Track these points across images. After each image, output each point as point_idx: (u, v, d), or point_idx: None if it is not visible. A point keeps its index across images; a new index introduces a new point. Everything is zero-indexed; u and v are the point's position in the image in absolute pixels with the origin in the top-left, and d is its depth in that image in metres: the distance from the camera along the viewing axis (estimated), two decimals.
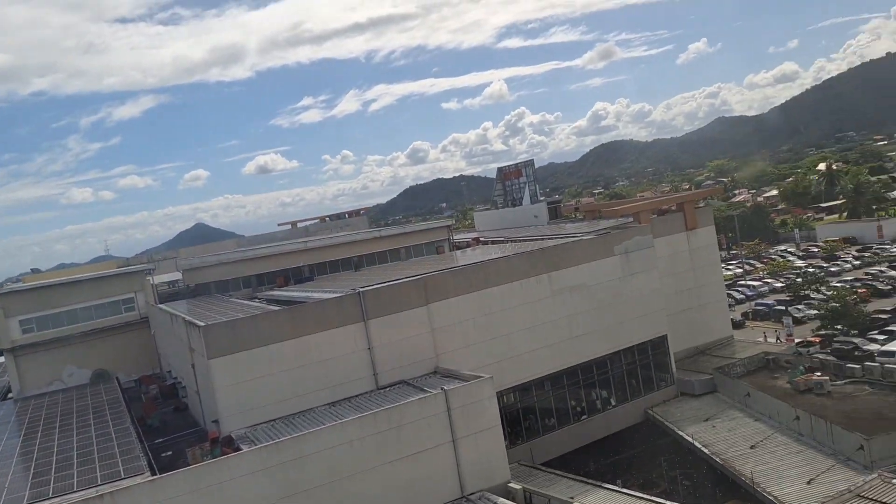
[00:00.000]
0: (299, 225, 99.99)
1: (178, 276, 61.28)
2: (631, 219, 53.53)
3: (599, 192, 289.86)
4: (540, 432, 43.59)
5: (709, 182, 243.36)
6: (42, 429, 39.59)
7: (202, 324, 35.57)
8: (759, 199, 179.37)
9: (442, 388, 32.95)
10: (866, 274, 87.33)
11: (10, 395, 53.28)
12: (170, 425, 41.78)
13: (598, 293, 45.94)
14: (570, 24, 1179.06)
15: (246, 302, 48.06)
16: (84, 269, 72.19)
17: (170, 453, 35.19)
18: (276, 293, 50.07)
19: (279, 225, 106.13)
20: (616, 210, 59.44)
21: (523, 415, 43.17)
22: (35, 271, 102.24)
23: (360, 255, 59.65)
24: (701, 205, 62.39)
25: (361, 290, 38.56)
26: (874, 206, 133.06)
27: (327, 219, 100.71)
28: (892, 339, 55.91)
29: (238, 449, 30.62)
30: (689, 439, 41.78)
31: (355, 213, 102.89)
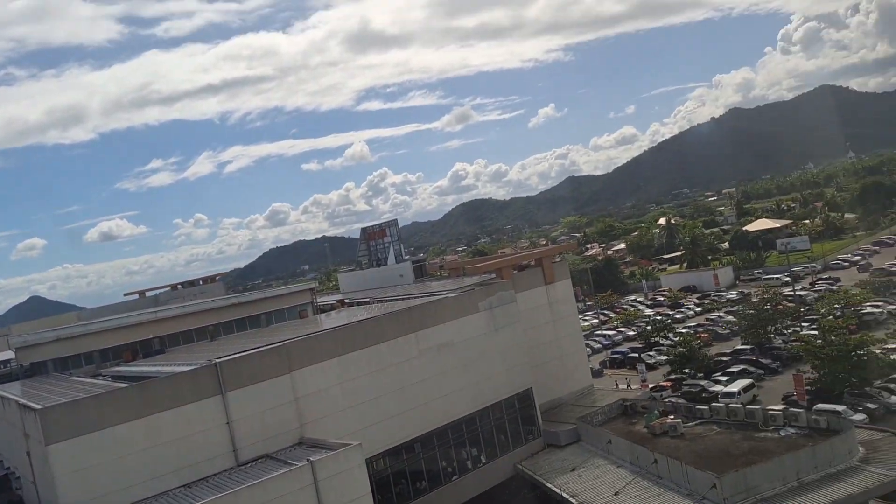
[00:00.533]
0: (148, 294, 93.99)
1: (10, 354, 55.37)
2: (493, 275, 54.96)
3: (462, 249, 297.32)
4: (412, 496, 42.63)
5: (563, 237, 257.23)
6: None
7: (38, 406, 32.22)
8: (609, 252, 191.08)
9: (308, 460, 31.56)
10: (707, 320, 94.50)
11: None
12: None
13: (465, 350, 46.37)
14: (428, 88, 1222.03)
15: (89, 380, 44.21)
16: None
17: None
18: (123, 369, 46.46)
19: (125, 295, 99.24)
20: (479, 267, 60.90)
21: (394, 480, 42.13)
22: None
23: (216, 324, 56.70)
24: (557, 259, 65.30)
25: (218, 360, 36.52)
26: (709, 257, 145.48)
27: (179, 286, 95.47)
28: (734, 380, 60.46)
29: None
30: (558, 490, 42.44)
31: (210, 280, 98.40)
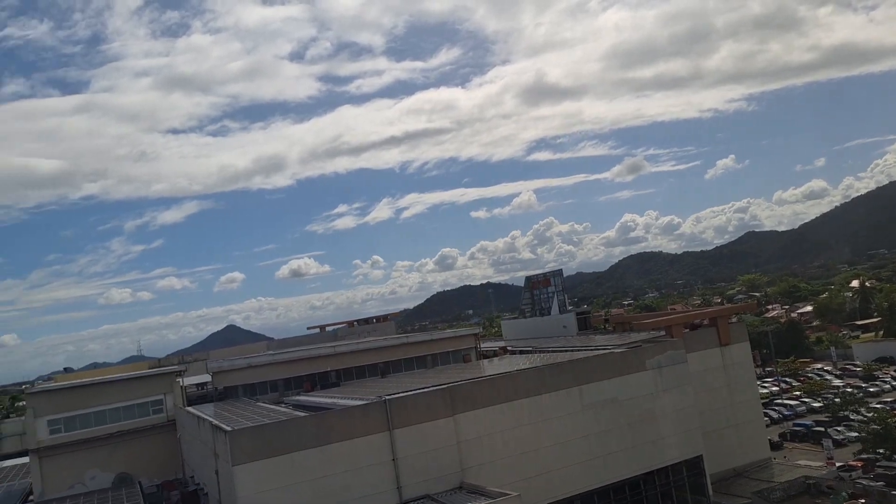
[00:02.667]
0: (328, 329, 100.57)
1: (207, 378, 61.48)
2: (663, 332, 52.99)
3: (629, 303, 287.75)
4: None
5: (740, 296, 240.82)
6: None
7: (228, 428, 35.35)
8: (793, 315, 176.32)
9: None
10: None
11: (30, 497, 52.60)
12: None
13: (630, 409, 44.88)
14: (599, 139, 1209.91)
15: (272, 406, 47.81)
16: (116, 369, 72.84)
17: None
18: (303, 398, 49.82)
19: (308, 328, 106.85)
20: (647, 322, 59.00)
21: None
22: (67, 370, 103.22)
23: (386, 362, 59.55)
24: (734, 320, 61.66)
25: (387, 397, 38.23)
26: None
27: (355, 323, 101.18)
28: None
29: None
30: None
31: (383, 319, 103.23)
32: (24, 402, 56.09)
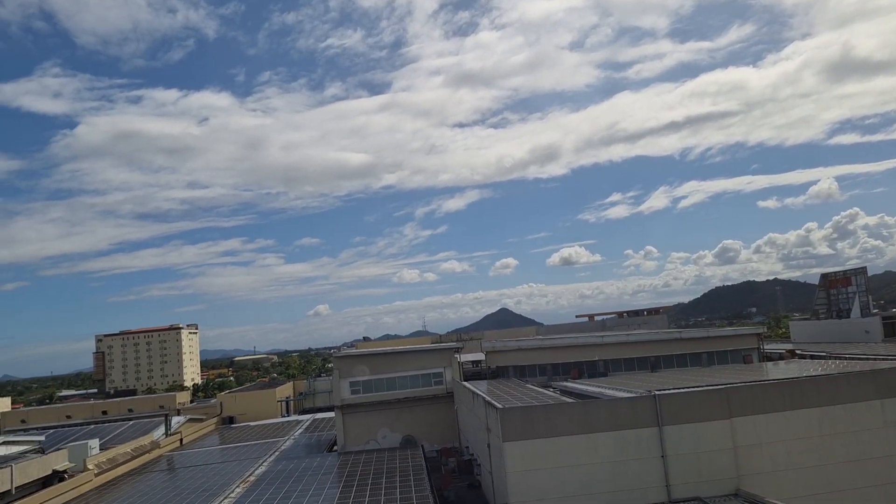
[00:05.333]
0: (596, 318, 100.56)
1: (481, 356, 65.55)
2: None
3: None
4: None
5: None
6: (357, 485, 44.49)
7: (500, 406, 37.46)
8: None
9: None
10: None
11: (335, 447, 60.95)
12: (463, 500, 44.05)
13: None
14: None
15: (540, 390, 49.45)
16: (404, 341, 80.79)
17: None
18: (570, 385, 50.75)
19: (577, 317, 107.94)
20: None
21: None
22: (366, 339, 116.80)
23: (657, 356, 57.98)
24: None
25: (657, 392, 37.41)
26: None
27: (625, 315, 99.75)
28: None
29: None
30: None
31: (654, 312, 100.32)
32: (332, 365, 64.99)
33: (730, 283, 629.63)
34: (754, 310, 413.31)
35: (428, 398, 60.53)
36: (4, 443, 62.45)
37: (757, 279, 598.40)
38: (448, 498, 44.18)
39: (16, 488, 42.75)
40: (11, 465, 43.39)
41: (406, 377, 60.61)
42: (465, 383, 54.13)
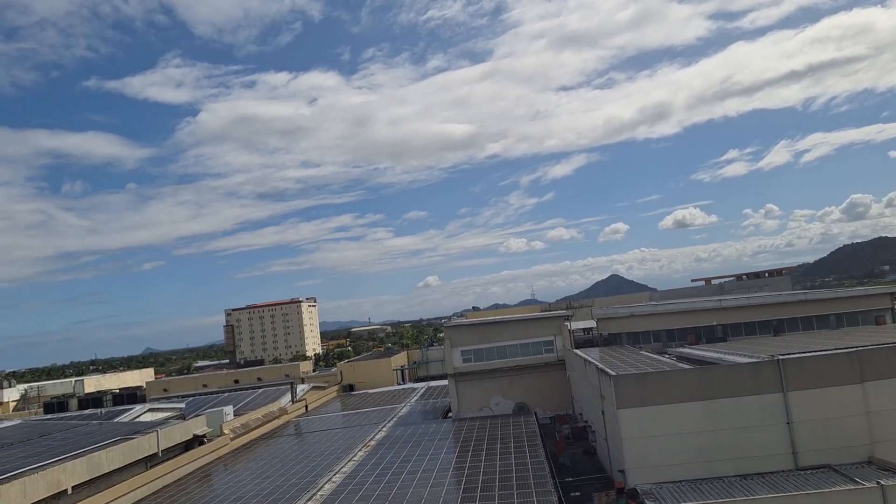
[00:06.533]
0: (713, 282, 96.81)
1: (591, 323, 64.85)
2: None
3: None
4: None
5: None
6: (472, 449, 45.53)
7: (613, 373, 37.11)
8: None
9: (878, 482, 28.55)
10: None
11: (449, 413, 62.44)
12: (578, 466, 44.17)
13: None
14: None
15: (655, 356, 48.45)
16: (513, 310, 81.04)
17: (578, 494, 37.28)
18: (686, 351, 49.39)
19: (692, 281, 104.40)
20: None
21: None
22: (475, 309, 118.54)
23: (780, 319, 55.28)
24: None
25: (781, 357, 35.78)
26: None
27: (745, 277, 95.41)
28: None
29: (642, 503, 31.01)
30: None
31: (777, 273, 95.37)
32: (443, 334, 66.34)
33: (860, 240, 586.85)
34: (887, 268, 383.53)
35: (539, 366, 60.69)
36: (150, 410, 68.32)
37: (890, 235, 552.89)
38: (563, 463, 44.41)
39: (162, 451, 46.78)
40: (157, 430, 47.44)
41: (516, 345, 60.96)
42: (577, 351, 53.85)
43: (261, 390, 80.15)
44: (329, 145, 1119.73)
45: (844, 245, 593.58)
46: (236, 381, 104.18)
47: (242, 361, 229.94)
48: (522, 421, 53.83)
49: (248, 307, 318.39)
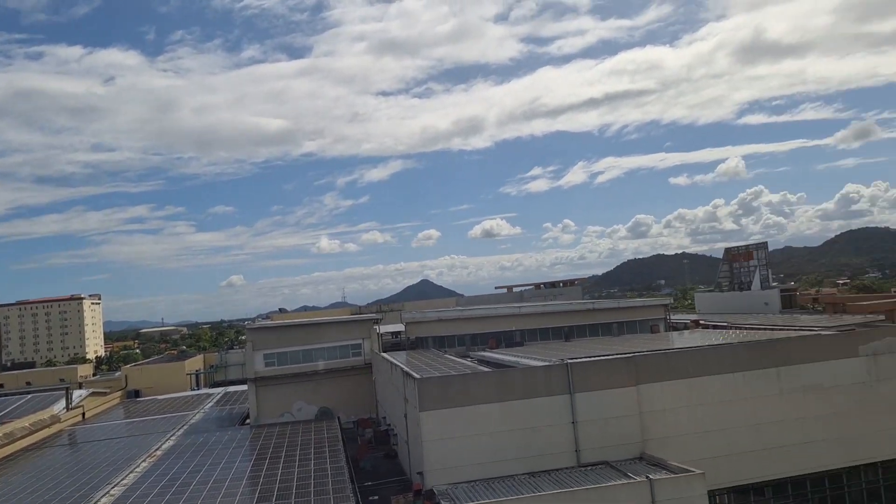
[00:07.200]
0: (515, 290, 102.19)
1: (401, 327, 65.43)
2: (882, 317, 47.64)
3: (844, 282, 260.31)
4: None
5: None
6: (270, 457, 43.79)
7: (418, 376, 37.50)
8: None
9: (647, 477, 31.38)
10: None
11: (247, 420, 59.74)
12: (379, 470, 44.11)
13: (835, 397, 41.07)
14: (823, 101, 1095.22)
15: (458, 360, 49.85)
16: (323, 312, 79.71)
17: (376, 498, 37.13)
18: (487, 354, 51.37)
19: (496, 288, 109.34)
20: (864, 305, 53.37)
21: None
22: (282, 311, 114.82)
23: (571, 326, 59.50)
24: None
25: (570, 361, 38.32)
26: None
27: (542, 286, 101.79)
28: None
29: None
30: None
31: (570, 283, 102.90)
32: (245, 337, 63.45)
33: (641, 257, 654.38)
34: (663, 282, 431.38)
35: (346, 370, 60.11)
36: None
37: (666, 252, 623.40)
38: (364, 467, 44.13)
39: None
40: None
41: (323, 349, 59.90)
42: (384, 354, 53.97)
43: (29, 396, 71.40)
44: (126, 129, 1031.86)
45: (628, 260, 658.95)
46: (1, 386, 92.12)
47: (9, 364, 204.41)
48: (325, 426, 52.87)
49: (18, 303, 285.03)
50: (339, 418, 56.29)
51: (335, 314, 72.97)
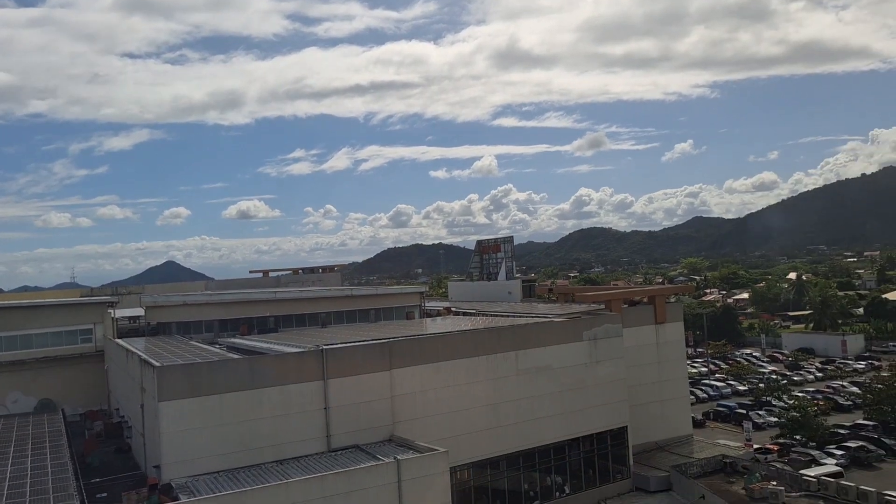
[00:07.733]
0: (271, 274, 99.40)
1: (140, 312, 60.07)
2: (602, 306, 53.92)
3: (574, 275, 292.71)
4: None
5: (681, 278, 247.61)
6: None
7: (157, 364, 34.68)
8: (730, 300, 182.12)
9: (395, 458, 32.20)
10: (828, 387, 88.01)
11: None
12: (110, 466, 40.17)
13: (562, 377, 45.74)
14: (565, 111, 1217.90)
15: (206, 346, 47.09)
16: (47, 294, 70.63)
17: (105, 495, 33.72)
18: (238, 341, 49.17)
19: (251, 272, 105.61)
20: (589, 296, 59.94)
21: (476, 494, 42.12)
22: None
23: (328, 312, 59.15)
24: (672, 300, 63.09)
25: (324, 347, 38.02)
26: (839, 321, 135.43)
27: (300, 271, 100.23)
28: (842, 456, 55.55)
29: (176, 499, 29.46)
30: None
31: (329, 269, 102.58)
32: None
33: (401, 245, 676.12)
34: (420, 270, 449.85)
35: (73, 357, 54.08)
36: None
37: (425, 242, 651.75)
38: (91, 463, 39.80)
39: None
40: None
41: (45, 334, 53.15)
42: (119, 340, 49.18)
43: None
44: None
45: (389, 248, 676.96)
46: None
47: None
48: (45, 419, 47.03)
49: None
50: (63, 410, 50.35)
51: (62, 296, 64.91)
